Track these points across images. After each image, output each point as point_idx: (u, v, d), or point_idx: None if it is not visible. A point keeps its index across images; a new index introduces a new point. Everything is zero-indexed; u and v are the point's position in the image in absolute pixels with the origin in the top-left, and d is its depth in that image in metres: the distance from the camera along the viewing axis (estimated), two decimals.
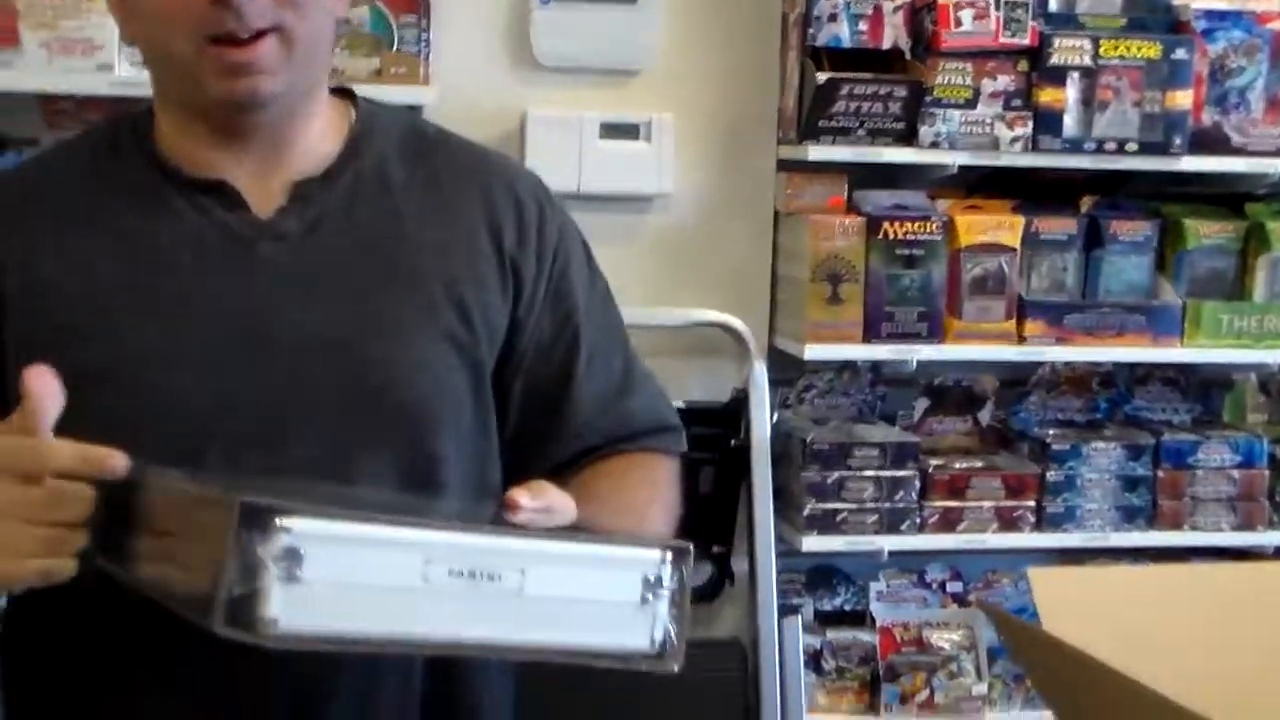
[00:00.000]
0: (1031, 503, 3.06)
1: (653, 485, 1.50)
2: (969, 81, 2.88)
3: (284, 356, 1.34)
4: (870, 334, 2.91)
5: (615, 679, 1.31)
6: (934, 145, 2.88)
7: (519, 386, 1.46)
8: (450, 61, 2.85)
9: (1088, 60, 2.92)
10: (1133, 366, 3.26)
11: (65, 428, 1.26)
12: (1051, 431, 3.17)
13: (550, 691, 1.48)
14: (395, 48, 2.71)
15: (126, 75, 2.55)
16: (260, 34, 1.31)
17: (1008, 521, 3.04)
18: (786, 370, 3.11)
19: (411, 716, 1.41)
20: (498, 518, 1.16)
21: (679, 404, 1.68)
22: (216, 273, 1.35)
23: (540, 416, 1.47)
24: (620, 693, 1.40)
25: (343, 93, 1.49)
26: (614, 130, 2.92)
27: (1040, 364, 3.21)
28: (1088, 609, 1.41)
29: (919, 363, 2.95)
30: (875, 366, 3.16)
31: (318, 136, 1.42)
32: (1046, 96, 2.91)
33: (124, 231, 1.36)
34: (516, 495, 1.16)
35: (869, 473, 2.97)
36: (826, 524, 2.96)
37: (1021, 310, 2.98)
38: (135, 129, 1.42)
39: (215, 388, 1.32)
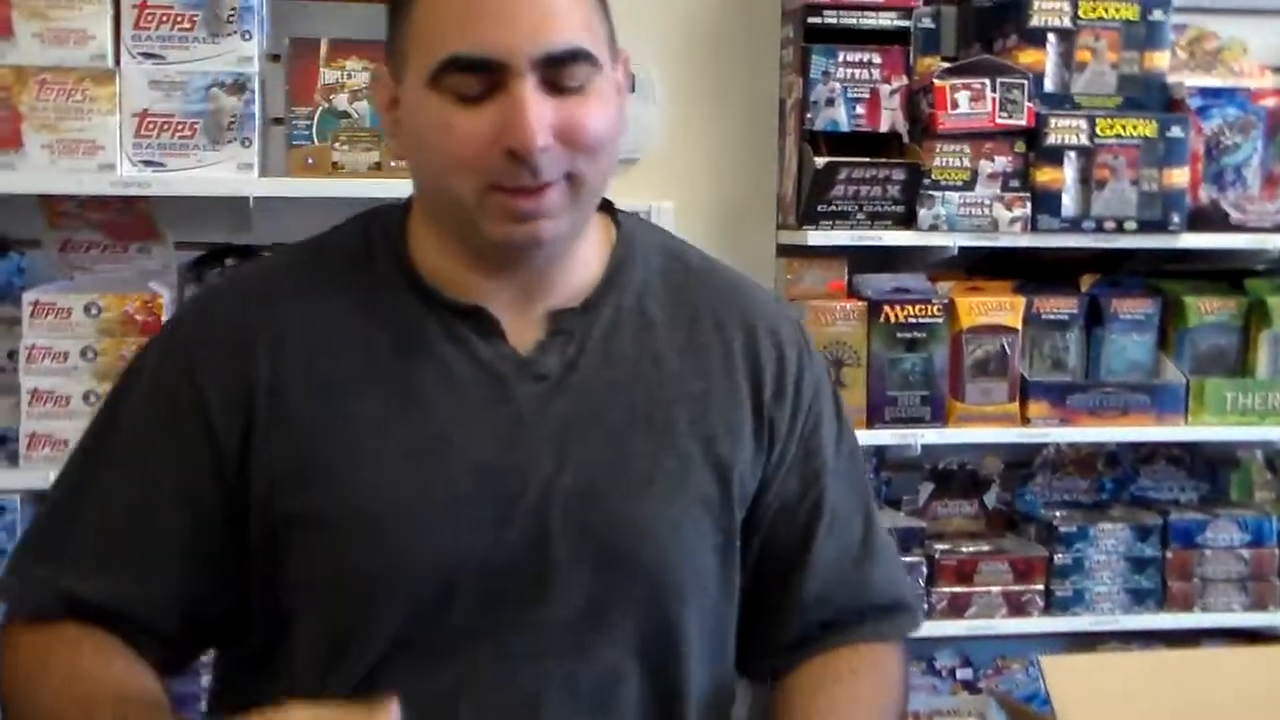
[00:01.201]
0: (1040, 586, 3.03)
1: (885, 691, 1.40)
2: (967, 163, 2.89)
3: (534, 509, 1.26)
4: (873, 418, 2.90)
5: None
6: (933, 228, 2.89)
7: (756, 545, 1.38)
8: None
9: (1084, 140, 2.93)
10: (1137, 446, 3.24)
11: (301, 569, 1.25)
12: (1058, 513, 3.14)
13: None
14: None
15: (129, 175, 2.56)
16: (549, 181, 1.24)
17: (1016, 606, 3.01)
18: None
19: None
20: None
21: None
22: (473, 415, 1.27)
23: (774, 578, 1.40)
24: None
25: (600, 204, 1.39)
26: None
27: (1044, 445, 3.20)
28: (1101, 698, 1.39)
29: (923, 446, 2.93)
30: (879, 451, 3.14)
31: (581, 261, 1.35)
32: (1044, 176, 2.92)
33: (378, 363, 1.28)
34: None
35: None
36: None
37: (1024, 391, 2.97)
38: (388, 237, 1.34)
39: (463, 542, 1.25)
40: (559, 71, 1.22)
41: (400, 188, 1.40)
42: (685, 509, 1.31)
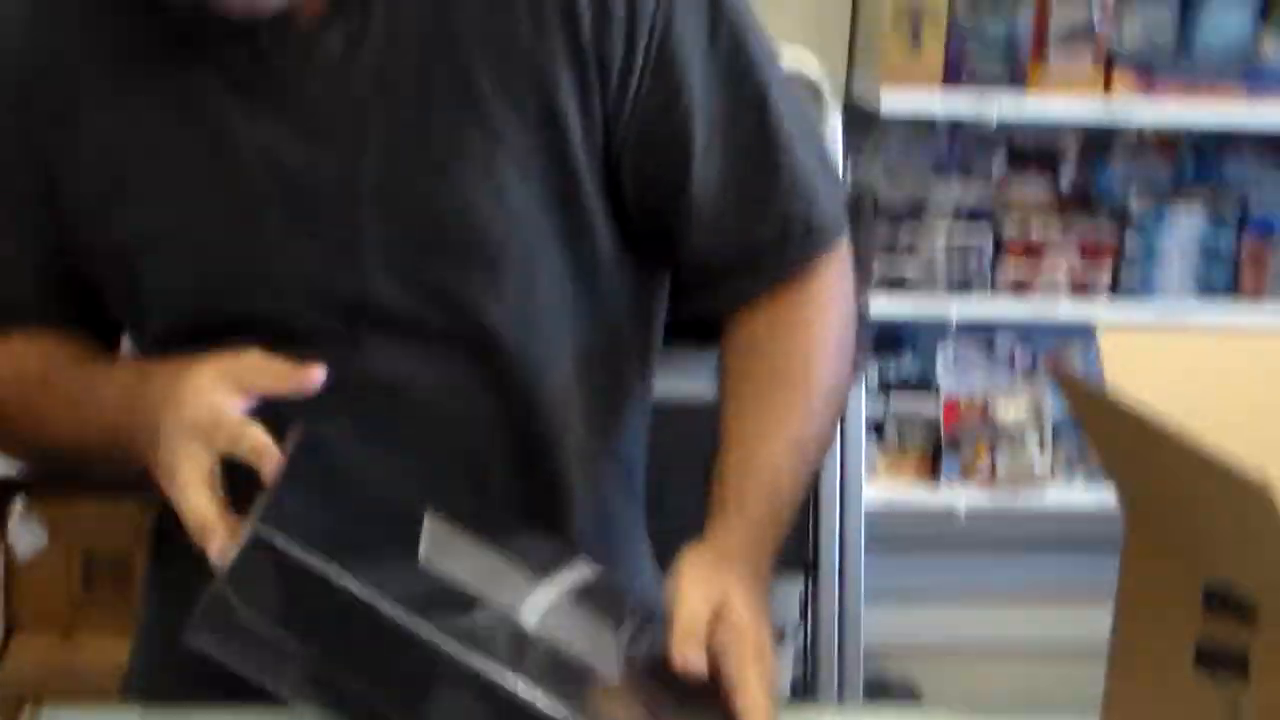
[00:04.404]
0: (1107, 270, 2.95)
1: (809, 325, 1.27)
2: None
3: (334, 211, 1.18)
4: (950, 78, 2.79)
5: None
6: None
7: (631, 190, 1.25)
8: None
9: None
10: (1221, 137, 3.07)
11: (130, 297, 1.24)
12: (1134, 194, 3.02)
13: None
14: None
15: None
16: None
17: (1082, 288, 2.94)
18: (863, 126, 2.98)
19: None
20: None
21: None
22: (256, 113, 1.18)
23: (664, 217, 1.26)
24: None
25: None
26: None
27: (1127, 127, 3.04)
28: (1160, 376, 1.31)
29: (1000, 120, 2.81)
30: (955, 125, 3.01)
31: None
32: None
33: (156, 71, 1.19)
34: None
35: (940, 233, 2.86)
36: (894, 285, 2.86)
37: (1110, 62, 2.84)
38: None
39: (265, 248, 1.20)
40: None
41: None
42: (504, 172, 1.20)
